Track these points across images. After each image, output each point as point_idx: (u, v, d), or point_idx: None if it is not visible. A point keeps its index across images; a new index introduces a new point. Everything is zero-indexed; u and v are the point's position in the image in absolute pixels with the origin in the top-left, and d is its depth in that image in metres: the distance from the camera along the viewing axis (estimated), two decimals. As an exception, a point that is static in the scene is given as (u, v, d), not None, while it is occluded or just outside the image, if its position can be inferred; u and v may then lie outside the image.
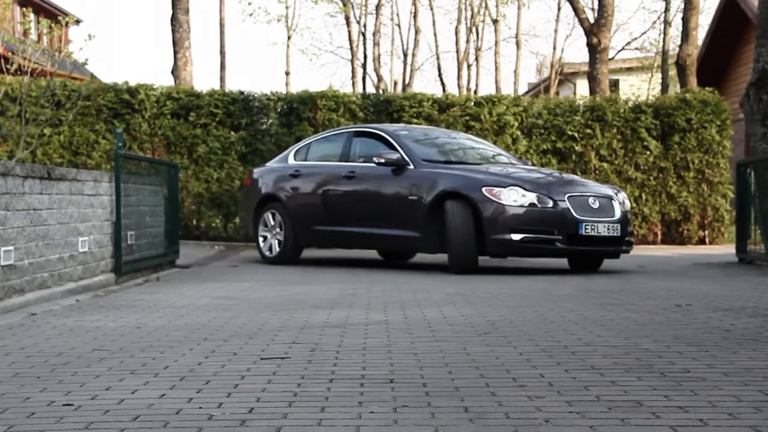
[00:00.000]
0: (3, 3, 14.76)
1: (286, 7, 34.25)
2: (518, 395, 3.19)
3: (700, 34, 23.76)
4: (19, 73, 12.66)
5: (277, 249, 10.99)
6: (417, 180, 9.57)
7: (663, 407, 2.99)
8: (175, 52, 18.28)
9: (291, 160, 11.32)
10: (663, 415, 2.88)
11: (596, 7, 22.35)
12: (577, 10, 20.91)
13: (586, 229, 8.89)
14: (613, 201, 9.22)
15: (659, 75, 31.39)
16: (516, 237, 8.84)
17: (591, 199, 9.09)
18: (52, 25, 14.44)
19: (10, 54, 13.54)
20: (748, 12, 21.18)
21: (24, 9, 23.30)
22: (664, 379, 3.45)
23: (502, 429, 2.74)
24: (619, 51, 36.56)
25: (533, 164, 10.86)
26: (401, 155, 9.79)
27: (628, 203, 9.62)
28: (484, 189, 8.99)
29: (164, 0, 72.50)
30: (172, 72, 18.41)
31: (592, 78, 20.17)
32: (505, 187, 8.97)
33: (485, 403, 3.07)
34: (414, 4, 35.58)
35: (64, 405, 3.11)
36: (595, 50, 20.05)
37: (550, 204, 8.92)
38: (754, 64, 11.26)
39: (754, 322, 5.12)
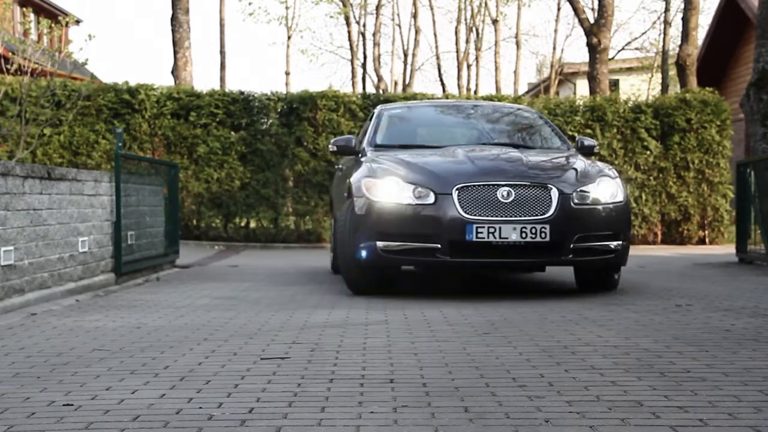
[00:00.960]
0: (3, 3, 14.76)
1: (287, 8, 34.26)
2: (518, 395, 3.19)
3: (700, 34, 23.77)
4: (19, 73, 12.66)
5: (330, 259, 9.59)
6: (354, 171, 7.35)
7: (663, 407, 2.99)
8: (175, 52, 18.28)
9: None
10: (663, 415, 2.88)
11: (596, 7, 22.35)
12: (577, 10, 20.91)
13: (478, 233, 6.28)
14: (550, 192, 6.44)
15: (659, 75, 31.40)
16: (383, 245, 6.52)
17: (502, 190, 6.37)
18: (52, 25, 14.44)
19: (10, 54, 13.54)
20: (748, 12, 21.18)
21: (24, 9, 23.30)
22: (664, 379, 3.45)
23: (502, 429, 2.74)
24: (619, 51, 36.60)
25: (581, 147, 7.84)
26: (356, 139, 7.81)
27: (605, 192, 6.71)
28: (363, 181, 6.80)
29: (164, 0, 72.51)
30: (172, 72, 18.41)
31: (592, 78, 20.16)
32: (380, 177, 6.68)
33: (485, 403, 3.07)
34: (414, 4, 35.60)
35: (64, 405, 3.11)
36: (595, 50, 20.05)
37: (431, 199, 6.44)
38: (754, 64, 11.26)
39: (754, 322, 5.12)
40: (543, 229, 6.34)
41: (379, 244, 6.53)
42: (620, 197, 6.78)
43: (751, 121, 11.23)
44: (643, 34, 42.04)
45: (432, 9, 38.52)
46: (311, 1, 35.72)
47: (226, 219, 15.40)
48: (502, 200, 6.35)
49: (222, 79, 27.30)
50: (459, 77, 37.82)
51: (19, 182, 6.12)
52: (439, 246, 6.37)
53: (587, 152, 7.76)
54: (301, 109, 15.34)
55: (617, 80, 35.79)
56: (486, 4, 37.48)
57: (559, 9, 37.00)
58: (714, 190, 15.62)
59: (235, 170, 15.14)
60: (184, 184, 14.82)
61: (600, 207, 6.60)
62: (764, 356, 3.97)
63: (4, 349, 4.32)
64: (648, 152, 15.55)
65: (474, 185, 6.41)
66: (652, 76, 34.92)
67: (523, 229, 6.31)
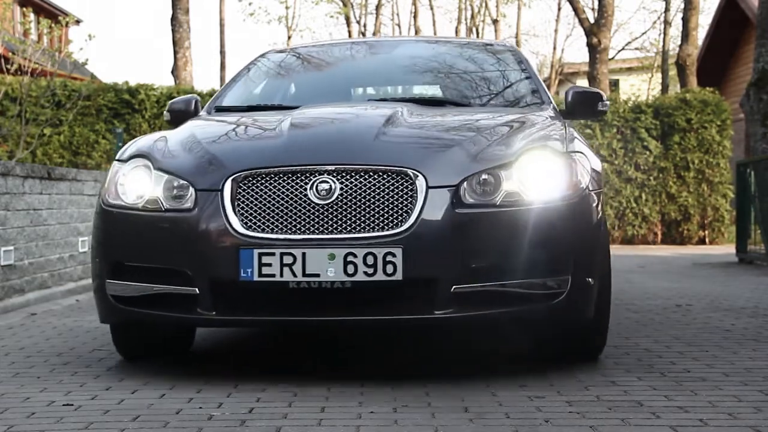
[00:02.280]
0: (3, 3, 14.76)
1: (287, 8, 34.27)
2: (518, 395, 3.19)
3: (700, 34, 23.77)
4: (19, 73, 12.65)
5: None
6: None
7: (663, 407, 2.99)
8: (175, 52, 18.27)
9: None
10: (663, 415, 2.88)
11: (596, 7, 22.35)
12: (577, 10, 20.91)
13: (262, 266, 3.33)
14: (414, 183, 3.38)
15: (659, 75, 31.41)
16: (114, 287, 3.62)
17: (319, 182, 3.39)
18: (52, 25, 14.43)
19: (10, 54, 13.54)
20: (748, 12, 21.18)
21: (24, 9, 23.30)
22: (664, 379, 3.45)
23: (502, 429, 2.74)
24: (619, 51, 36.56)
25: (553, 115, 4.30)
26: (195, 99, 4.83)
27: (536, 178, 3.52)
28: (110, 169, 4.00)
29: (164, 0, 72.51)
30: (172, 72, 18.40)
31: (592, 78, 20.16)
32: (125, 162, 3.80)
33: (485, 403, 3.07)
34: (414, 4, 35.62)
35: (64, 405, 3.11)
36: (595, 50, 20.06)
37: (188, 200, 3.51)
38: (754, 64, 11.27)
39: (754, 322, 5.12)
40: (390, 258, 3.29)
41: (109, 285, 3.63)
42: (579, 185, 3.60)
43: (751, 121, 11.23)
44: (643, 34, 41.99)
45: (432, 9, 38.53)
46: (311, 1, 35.70)
47: (226, 219, 15.41)
48: (317, 201, 3.36)
49: (222, 79, 27.29)
50: (459, 77, 37.77)
51: (19, 182, 6.12)
52: (196, 291, 3.41)
53: (585, 112, 4.62)
54: (301, 109, 15.34)
55: (617, 80, 35.80)
56: (486, 4, 37.49)
57: (559, 9, 37.00)
58: (714, 190, 15.61)
59: (235, 170, 15.16)
60: (184, 184, 14.82)
61: (522, 209, 3.44)
62: (764, 356, 3.97)
63: (4, 349, 4.32)
64: (648, 152, 15.54)
65: (266, 173, 3.43)
66: (652, 76, 34.92)
67: (351, 258, 3.29)
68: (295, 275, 3.29)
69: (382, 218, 3.33)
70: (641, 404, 3.04)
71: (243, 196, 3.40)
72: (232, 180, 3.42)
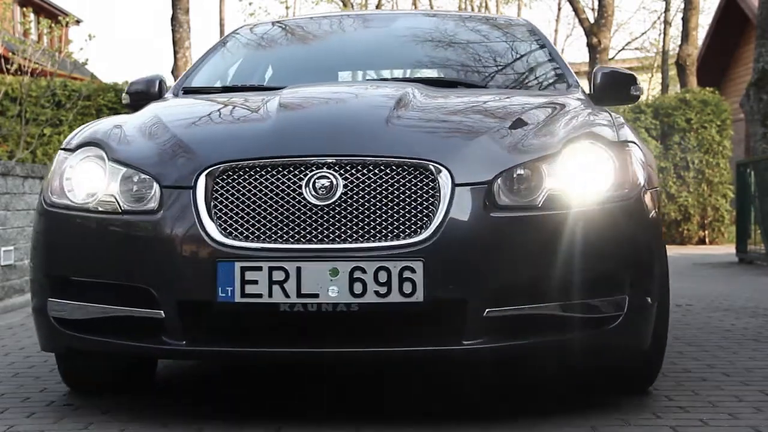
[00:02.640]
0: (3, 3, 14.77)
1: (287, 8, 34.30)
2: (518, 395, 3.19)
3: (700, 34, 23.78)
4: (19, 73, 12.66)
5: None
6: None
7: (664, 407, 2.99)
8: (175, 52, 18.27)
9: None
10: (663, 415, 2.88)
11: (596, 7, 22.38)
12: (577, 10, 20.93)
13: (246, 284, 2.64)
14: (436, 178, 2.71)
15: (659, 75, 31.42)
16: (58, 307, 2.91)
17: (316, 177, 2.71)
18: (52, 25, 14.45)
19: (10, 54, 13.55)
20: (748, 12, 21.19)
21: (24, 9, 23.31)
22: (664, 379, 3.45)
23: (502, 429, 2.73)
24: (619, 51, 36.57)
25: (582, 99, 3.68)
26: (159, 78, 4.03)
27: (583, 172, 2.85)
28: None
29: (164, 0, 72.59)
30: (172, 72, 18.39)
31: (592, 78, 20.18)
32: (72, 151, 3.07)
33: (484, 403, 3.07)
34: (414, 4, 35.63)
35: (64, 405, 3.11)
36: (595, 50, 20.07)
37: (152, 200, 2.82)
38: (754, 64, 11.27)
39: (754, 322, 5.12)
40: (408, 274, 2.65)
41: (52, 305, 2.93)
42: (636, 182, 2.96)
43: (751, 121, 11.24)
44: (643, 34, 42.06)
45: (432, 9, 38.58)
46: (311, 1, 35.76)
47: (226, 219, 15.40)
48: (315, 201, 2.71)
49: (222, 79, 27.30)
50: (459, 77, 37.77)
51: (19, 182, 6.13)
52: (161, 314, 2.75)
53: (615, 96, 4.04)
54: (301, 109, 15.33)
55: (617, 80, 35.76)
56: (486, 4, 37.51)
57: (559, 9, 37.01)
58: (714, 190, 15.62)
59: (235, 170, 15.16)
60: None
61: (570, 212, 2.79)
62: (765, 356, 3.97)
63: (4, 349, 4.32)
64: (648, 152, 15.55)
65: (250, 166, 2.77)
66: (652, 76, 34.93)
67: (358, 274, 2.65)
68: (287, 296, 2.62)
69: (397, 224, 2.66)
70: (642, 404, 3.03)
71: (221, 194, 2.72)
72: (207, 174, 2.74)
